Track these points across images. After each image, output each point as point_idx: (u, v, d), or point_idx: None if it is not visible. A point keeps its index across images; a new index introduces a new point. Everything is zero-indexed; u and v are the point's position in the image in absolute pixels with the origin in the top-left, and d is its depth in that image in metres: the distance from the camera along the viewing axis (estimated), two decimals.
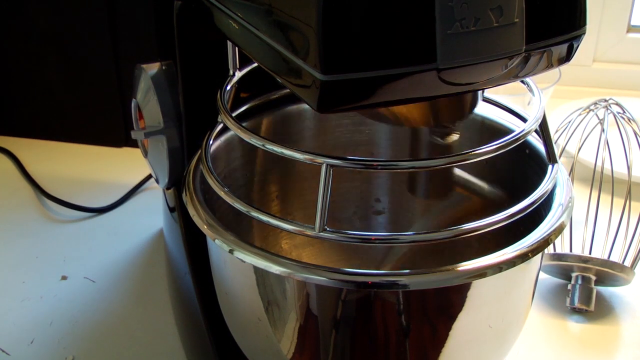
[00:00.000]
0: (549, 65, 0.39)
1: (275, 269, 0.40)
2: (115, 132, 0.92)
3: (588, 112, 0.70)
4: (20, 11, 0.87)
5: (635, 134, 0.68)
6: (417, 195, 0.51)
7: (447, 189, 0.51)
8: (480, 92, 0.44)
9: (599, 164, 0.65)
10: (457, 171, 0.52)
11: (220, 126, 0.50)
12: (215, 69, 0.52)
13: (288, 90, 0.45)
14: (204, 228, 0.44)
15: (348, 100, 0.35)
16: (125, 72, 0.86)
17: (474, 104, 0.44)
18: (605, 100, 0.70)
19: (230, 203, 0.42)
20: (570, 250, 0.66)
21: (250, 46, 0.41)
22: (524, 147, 0.51)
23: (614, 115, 0.68)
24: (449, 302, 0.42)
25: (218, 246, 0.43)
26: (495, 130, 0.54)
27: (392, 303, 0.41)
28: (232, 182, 0.55)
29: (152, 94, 0.57)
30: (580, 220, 0.69)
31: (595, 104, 0.70)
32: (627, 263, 0.63)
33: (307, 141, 0.60)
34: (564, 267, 0.64)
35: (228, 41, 0.50)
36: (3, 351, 0.61)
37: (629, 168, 0.66)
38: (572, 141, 0.71)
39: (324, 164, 0.38)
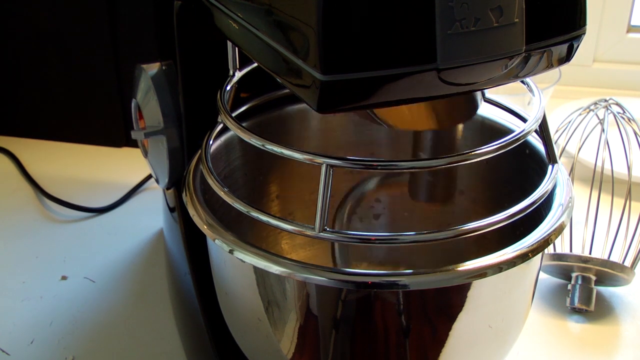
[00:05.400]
0: (549, 66, 0.39)
1: (275, 269, 0.40)
2: (115, 132, 0.92)
3: (588, 112, 0.70)
4: (20, 11, 0.87)
5: (635, 134, 0.68)
6: (420, 199, 0.51)
7: (449, 192, 0.51)
8: (480, 95, 0.44)
9: (599, 164, 0.65)
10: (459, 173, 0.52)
11: (220, 126, 0.50)
12: (215, 69, 0.52)
13: (288, 90, 0.45)
14: (204, 228, 0.44)
15: (348, 100, 0.35)
16: (125, 72, 0.86)
17: (475, 107, 0.44)
18: (605, 100, 0.70)
19: (230, 203, 0.42)
20: (570, 250, 0.66)
21: (250, 46, 0.41)
22: (524, 147, 0.51)
23: (614, 115, 0.68)
24: (449, 302, 0.42)
25: (218, 246, 0.43)
26: (495, 130, 0.54)
27: (392, 303, 0.41)
28: (232, 182, 0.55)
29: (152, 94, 0.57)
30: (580, 220, 0.69)
31: (595, 104, 0.70)
32: (627, 263, 0.63)
33: (307, 141, 0.60)
34: (564, 267, 0.64)
35: (228, 41, 0.50)
36: (3, 351, 0.61)
37: (629, 168, 0.66)
38: (572, 141, 0.71)
39: (324, 164, 0.38)
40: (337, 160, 0.38)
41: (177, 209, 0.60)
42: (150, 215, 0.79)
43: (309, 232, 0.39)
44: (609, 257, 0.63)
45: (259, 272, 0.43)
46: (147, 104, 0.59)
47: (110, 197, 0.82)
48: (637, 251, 0.64)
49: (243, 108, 0.53)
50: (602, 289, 0.67)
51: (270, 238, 0.60)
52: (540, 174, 0.47)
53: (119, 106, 0.90)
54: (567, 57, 0.40)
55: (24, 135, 0.95)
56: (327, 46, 0.33)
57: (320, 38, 0.33)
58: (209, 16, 0.46)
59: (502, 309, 0.45)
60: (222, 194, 0.43)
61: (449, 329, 0.43)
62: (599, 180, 0.65)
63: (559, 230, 0.43)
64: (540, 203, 0.43)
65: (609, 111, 0.68)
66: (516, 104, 0.52)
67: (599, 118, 0.69)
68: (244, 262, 0.41)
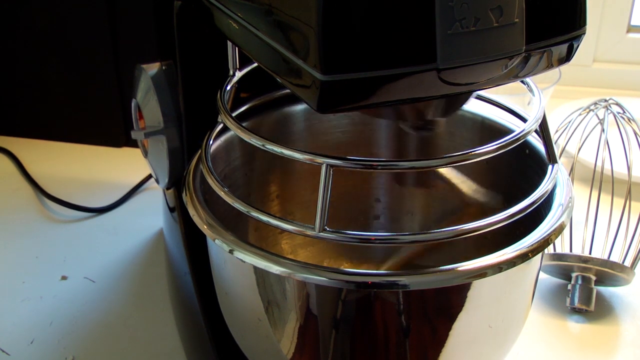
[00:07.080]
0: (549, 65, 0.39)
1: (275, 269, 0.40)
2: (115, 132, 0.92)
3: (588, 112, 0.70)
4: (20, 11, 0.87)
5: (635, 134, 0.68)
6: (406, 185, 0.50)
7: (431, 178, 0.50)
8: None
9: (599, 164, 0.65)
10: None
11: (220, 126, 0.50)
12: (215, 69, 0.52)
13: (288, 90, 0.45)
14: (204, 228, 0.44)
15: (348, 100, 0.35)
16: (125, 72, 0.86)
17: (463, 101, 0.44)
18: (605, 100, 0.70)
19: (230, 203, 0.42)
20: (570, 250, 0.66)
21: (250, 46, 0.41)
22: (524, 147, 0.51)
23: (614, 115, 0.68)
24: (449, 302, 0.42)
25: (218, 246, 0.43)
26: (495, 130, 0.54)
27: (392, 303, 0.41)
28: (232, 182, 0.55)
29: (152, 94, 0.57)
30: (580, 220, 0.69)
31: (595, 104, 0.70)
32: (627, 263, 0.63)
33: (307, 141, 0.60)
34: (564, 267, 0.64)
35: (228, 41, 0.50)
36: (3, 351, 0.61)
37: (629, 168, 0.66)
38: (572, 141, 0.71)
39: (324, 164, 0.38)
40: (337, 160, 0.38)
41: (177, 209, 0.60)
42: (150, 215, 0.79)
43: (309, 232, 0.39)
44: (609, 257, 0.63)
45: (259, 272, 0.43)
46: (147, 104, 0.59)
47: (110, 197, 0.82)
48: (637, 251, 0.64)
49: (243, 108, 0.53)
50: (602, 289, 0.67)
51: (270, 238, 0.60)
52: (540, 174, 0.47)
53: (119, 106, 0.90)
54: (567, 57, 0.40)
55: (24, 135, 0.95)
56: (327, 46, 0.33)
57: (320, 38, 0.33)
58: (209, 16, 0.46)
59: (502, 309, 0.45)
60: (222, 194, 0.43)
61: (449, 329, 0.43)
62: (599, 180, 0.65)
63: (559, 230, 0.43)
64: (540, 203, 0.43)
65: (609, 111, 0.68)
66: (516, 104, 0.52)
67: (599, 118, 0.69)
68: (244, 262, 0.41)
